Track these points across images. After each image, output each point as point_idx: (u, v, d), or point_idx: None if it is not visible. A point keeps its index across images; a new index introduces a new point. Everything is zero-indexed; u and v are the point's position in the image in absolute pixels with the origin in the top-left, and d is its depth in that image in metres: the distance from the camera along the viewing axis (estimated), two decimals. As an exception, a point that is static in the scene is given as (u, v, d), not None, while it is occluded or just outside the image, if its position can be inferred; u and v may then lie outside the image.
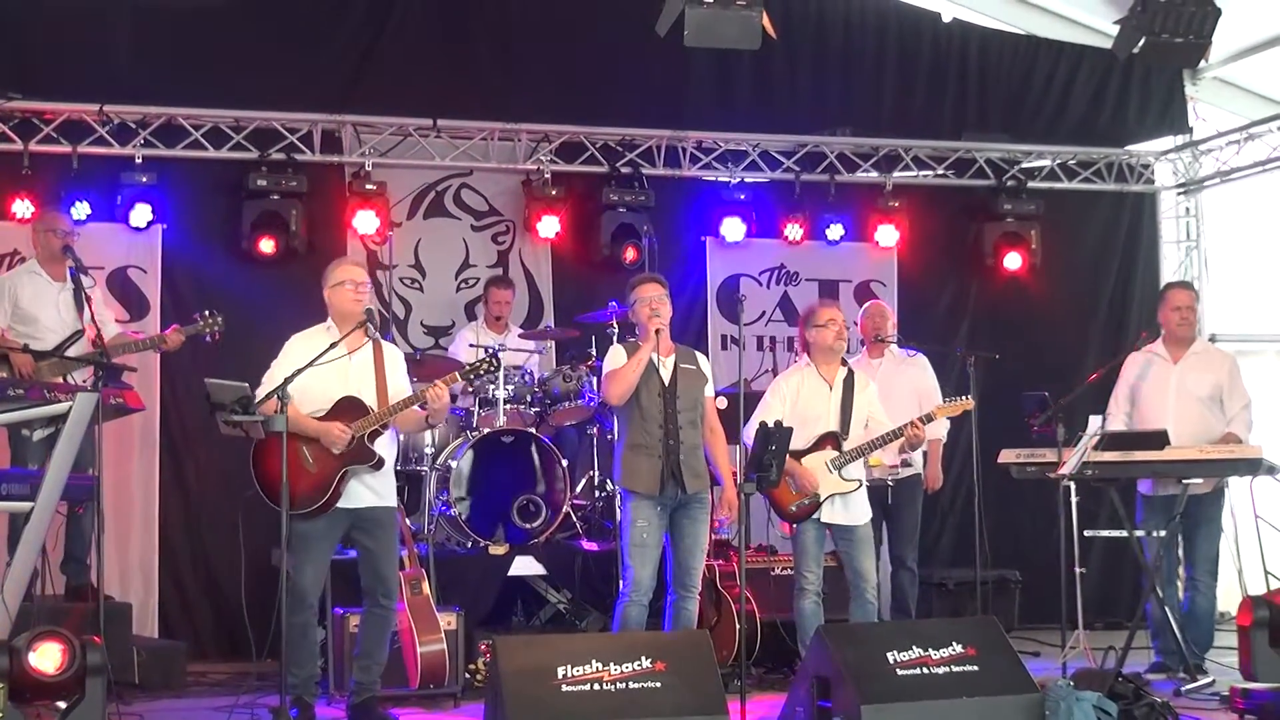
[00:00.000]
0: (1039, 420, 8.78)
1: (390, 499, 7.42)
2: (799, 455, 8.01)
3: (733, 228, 11.21)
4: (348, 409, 7.20)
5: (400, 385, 7.39)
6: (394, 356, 7.50)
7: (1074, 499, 8.57)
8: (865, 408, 8.18)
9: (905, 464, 9.33)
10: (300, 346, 7.30)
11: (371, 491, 7.29)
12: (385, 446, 7.32)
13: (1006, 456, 8.78)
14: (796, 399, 8.15)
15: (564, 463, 9.40)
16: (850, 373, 8.25)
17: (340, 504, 7.19)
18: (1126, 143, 12.13)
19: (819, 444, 8.09)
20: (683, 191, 11.39)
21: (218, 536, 9.83)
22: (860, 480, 8.09)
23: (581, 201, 11.12)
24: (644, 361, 7.54)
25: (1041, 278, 11.75)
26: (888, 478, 9.27)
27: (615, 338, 9.33)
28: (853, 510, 8.06)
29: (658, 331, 7.58)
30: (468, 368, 7.53)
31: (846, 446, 8.07)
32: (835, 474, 8.03)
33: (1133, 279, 12.07)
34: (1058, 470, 8.37)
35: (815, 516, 8.02)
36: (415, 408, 7.27)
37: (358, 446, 7.17)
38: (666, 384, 7.61)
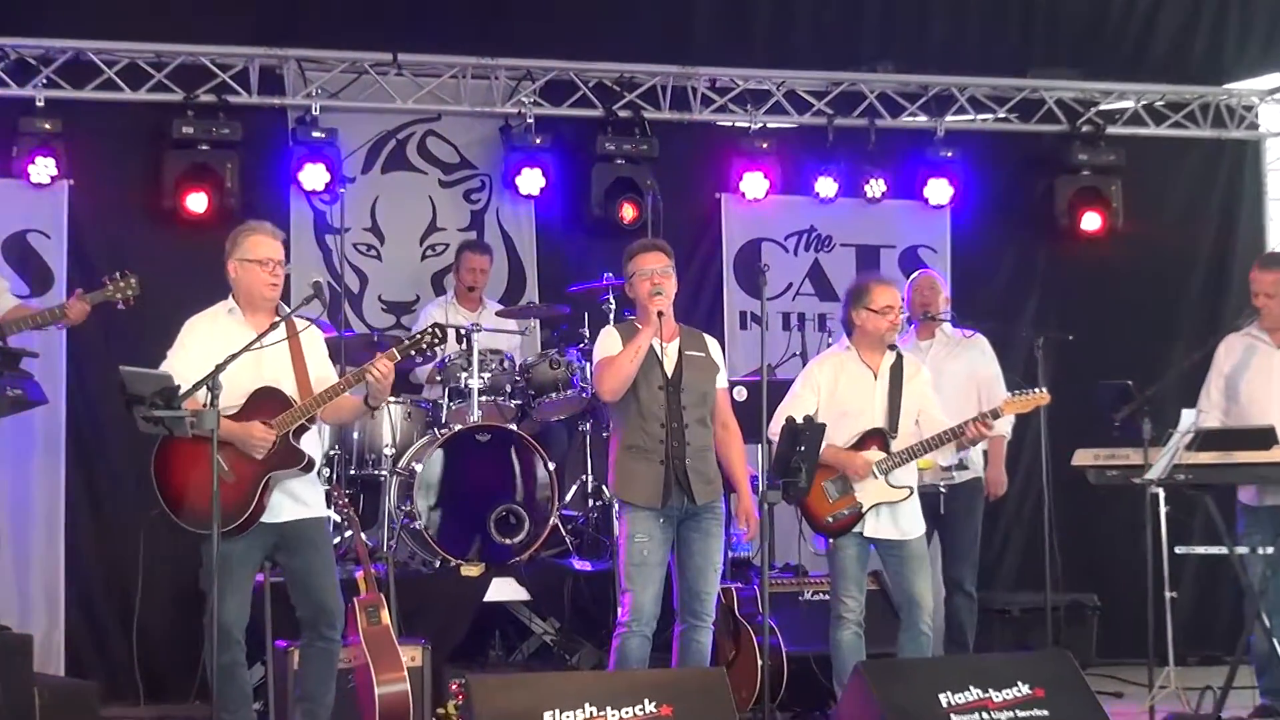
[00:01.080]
0: (1121, 414, 8.71)
1: (319, 508, 7.34)
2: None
3: (753, 183, 11.16)
4: (266, 403, 7.08)
5: (323, 371, 7.30)
6: (313, 338, 7.37)
7: (1163, 509, 8.51)
8: (916, 399, 8.12)
9: (961, 466, 9.27)
10: (203, 331, 7.20)
11: (296, 501, 7.19)
12: (312, 445, 7.25)
13: (1082, 458, 8.71)
14: (834, 389, 8.08)
15: (551, 466, 9.38)
16: (899, 358, 8.18)
17: (262, 518, 7.11)
18: (1225, 80, 12.06)
19: (862, 444, 8.02)
20: (693, 139, 11.36)
21: (136, 557, 9.77)
22: (911, 487, 8.04)
23: (571, 152, 11.08)
24: (643, 349, 7.45)
25: (1123, 242, 11.69)
26: (940, 483, 9.22)
27: (612, 316, 9.27)
28: (903, 523, 8.01)
29: (660, 314, 7.48)
30: (406, 342, 7.29)
31: (895, 446, 8.01)
32: (882, 479, 7.97)
33: (1233, 243, 12.01)
34: (1144, 475, 8.31)
35: (857, 530, 7.97)
36: (350, 393, 7.14)
37: (282, 447, 7.07)
38: (670, 375, 7.53)
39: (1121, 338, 11.29)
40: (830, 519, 7.99)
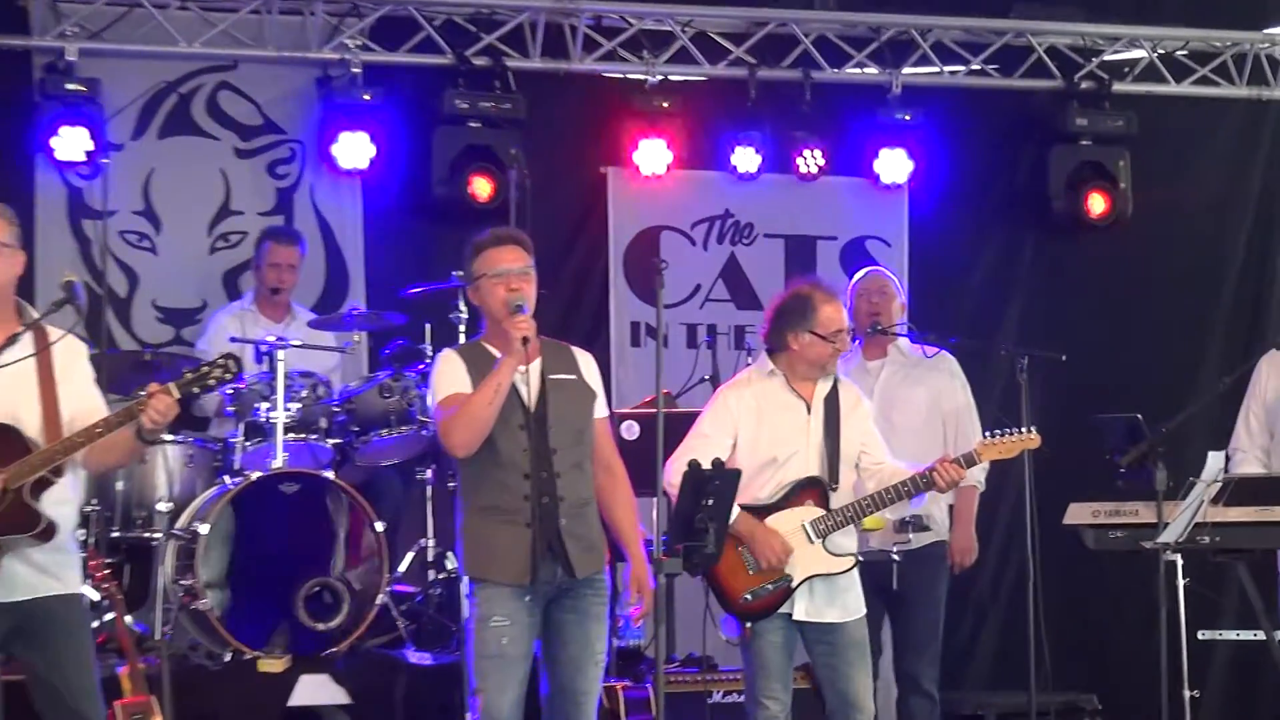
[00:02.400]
0: (1128, 458, 8.76)
1: (72, 583, 7.22)
2: (762, 515, 7.98)
3: (651, 153, 11.24)
4: None
5: (87, 402, 7.17)
6: (72, 352, 7.27)
7: (1181, 581, 8.56)
8: (858, 439, 8.14)
9: (920, 526, 9.25)
10: None
11: (37, 573, 7.06)
12: (60, 502, 7.14)
13: (1078, 515, 8.77)
14: (756, 427, 8.07)
15: (379, 526, 9.33)
16: (834, 385, 8.18)
17: None
18: (1266, 24, 12.19)
19: (795, 498, 8.03)
20: (572, 96, 11.45)
21: None
22: (855, 555, 8.06)
23: (410, 111, 11.16)
24: (505, 387, 7.24)
25: (1134, 232, 11.83)
26: (892, 547, 9.21)
27: (463, 328, 9.25)
28: (841, 602, 8.02)
29: (525, 340, 7.26)
30: (190, 375, 7.11)
31: (836, 502, 8.02)
32: (818, 544, 7.97)
33: (1276, 234, 12.13)
34: (1157, 537, 8.36)
35: (784, 610, 7.98)
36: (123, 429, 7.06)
37: (14, 506, 6.97)
38: (533, 408, 7.44)
39: (1130, 357, 11.40)
40: (748, 596, 7.97)
